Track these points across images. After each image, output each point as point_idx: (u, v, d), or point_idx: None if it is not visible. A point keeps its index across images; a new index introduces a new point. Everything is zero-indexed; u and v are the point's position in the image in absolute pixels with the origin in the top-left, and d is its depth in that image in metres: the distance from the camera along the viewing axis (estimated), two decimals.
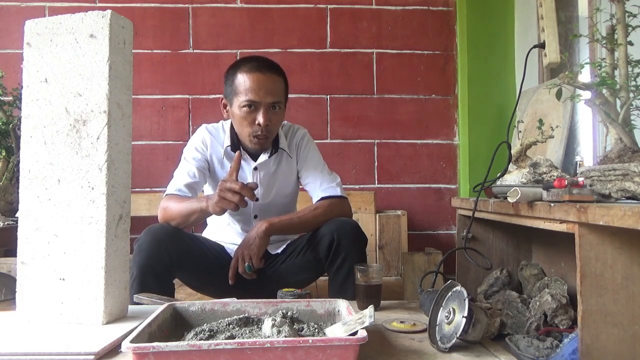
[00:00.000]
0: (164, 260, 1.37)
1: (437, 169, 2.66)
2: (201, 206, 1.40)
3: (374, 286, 1.26)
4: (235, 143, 1.60)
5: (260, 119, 1.47)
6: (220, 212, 1.37)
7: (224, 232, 1.70)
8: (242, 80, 1.48)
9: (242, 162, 1.60)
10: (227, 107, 1.57)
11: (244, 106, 1.48)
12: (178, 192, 1.53)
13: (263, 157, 1.60)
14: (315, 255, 1.50)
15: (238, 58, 2.60)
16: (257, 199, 1.41)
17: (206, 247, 1.59)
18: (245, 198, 1.32)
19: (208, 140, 1.62)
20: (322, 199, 1.57)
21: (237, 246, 1.54)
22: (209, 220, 1.75)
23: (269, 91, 1.47)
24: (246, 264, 1.40)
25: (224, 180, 1.34)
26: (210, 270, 1.55)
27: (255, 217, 1.65)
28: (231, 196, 1.30)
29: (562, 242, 1.50)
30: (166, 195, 1.55)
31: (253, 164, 1.60)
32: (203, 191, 1.71)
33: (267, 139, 1.53)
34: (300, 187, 1.73)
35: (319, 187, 1.60)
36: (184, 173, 1.57)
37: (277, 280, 1.55)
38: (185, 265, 1.47)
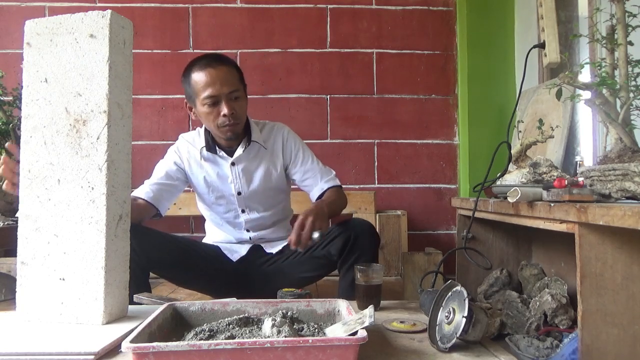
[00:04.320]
0: (132, 258, 1.35)
1: (437, 169, 2.66)
2: None
3: (374, 286, 1.26)
4: (210, 143, 1.64)
5: (224, 110, 1.51)
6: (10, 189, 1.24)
7: (219, 234, 1.74)
8: (197, 79, 1.53)
9: (220, 159, 1.64)
10: (193, 109, 1.60)
11: (205, 103, 1.52)
12: (137, 193, 1.58)
13: (239, 152, 1.63)
14: (326, 253, 1.51)
15: (238, 58, 2.60)
16: None
17: (188, 245, 1.62)
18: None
19: (183, 148, 1.67)
20: (328, 189, 1.64)
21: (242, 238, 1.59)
22: (206, 227, 1.80)
23: (224, 82, 1.51)
24: (318, 233, 1.35)
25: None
26: (197, 265, 1.58)
27: (243, 211, 1.66)
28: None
29: (562, 242, 1.50)
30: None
31: (230, 160, 1.63)
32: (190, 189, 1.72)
33: (236, 125, 1.56)
34: (294, 186, 1.75)
35: (320, 180, 1.65)
36: (151, 179, 1.63)
37: (281, 277, 1.58)
38: (164, 262, 1.50)
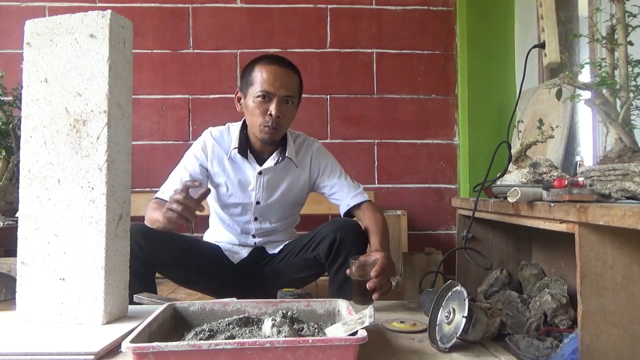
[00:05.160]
0: (139, 257, 1.36)
1: (437, 169, 2.66)
2: (159, 218, 1.38)
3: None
4: (244, 145, 1.60)
5: (272, 109, 1.49)
6: (169, 224, 1.34)
7: (223, 233, 1.71)
8: (259, 72, 1.51)
9: (247, 164, 1.61)
10: (241, 100, 1.58)
11: (258, 96, 1.50)
12: (165, 197, 1.53)
13: (269, 164, 1.60)
14: (316, 255, 1.50)
15: (238, 58, 2.60)
16: (195, 216, 1.32)
17: (191, 245, 1.60)
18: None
19: (209, 146, 1.62)
20: (357, 205, 1.60)
21: (235, 246, 1.58)
22: (210, 222, 1.77)
23: (283, 84, 1.50)
24: (395, 281, 1.34)
25: (170, 201, 1.31)
26: (198, 266, 1.57)
27: (256, 219, 1.65)
28: (176, 207, 1.29)
29: (562, 242, 1.50)
30: (154, 198, 1.57)
31: (258, 168, 1.60)
32: (209, 189, 1.70)
33: (276, 131, 1.53)
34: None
35: (347, 195, 1.62)
36: (176, 179, 1.58)
37: (277, 279, 1.56)
38: (165, 262, 1.48)
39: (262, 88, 1.48)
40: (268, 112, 1.49)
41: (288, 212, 1.70)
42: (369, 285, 1.22)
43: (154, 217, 1.44)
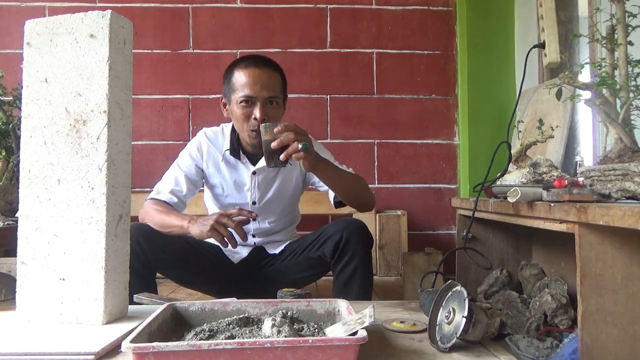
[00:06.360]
0: (140, 258, 1.37)
1: (437, 169, 2.66)
2: (182, 224, 1.41)
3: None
4: (235, 147, 1.60)
5: (256, 113, 1.48)
6: (203, 238, 1.39)
7: None
8: (239, 76, 1.49)
9: (241, 165, 1.61)
10: (227, 106, 1.57)
11: (240, 102, 1.49)
12: (162, 197, 1.55)
13: (262, 163, 1.59)
14: (320, 254, 1.51)
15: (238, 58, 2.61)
16: (246, 238, 1.41)
17: (191, 244, 1.59)
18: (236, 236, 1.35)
19: (204, 147, 1.62)
20: None
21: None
22: None
23: (264, 85, 1.48)
24: (302, 144, 1.26)
25: (222, 214, 1.35)
26: (198, 266, 1.56)
27: (254, 219, 1.65)
28: (223, 230, 1.32)
29: (562, 242, 1.50)
30: (150, 198, 1.56)
31: (252, 168, 1.60)
32: (202, 189, 1.71)
33: None
34: (310, 187, 1.72)
35: None
36: (172, 179, 1.58)
37: (278, 278, 1.57)
38: (166, 262, 1.48)
39: (243, 93, 1.47)
40: (252, 117, 1.48)
41: (285, 210, 1.70)
42: (272, 145, 1.24)
43: (165, 221, 1.45)
